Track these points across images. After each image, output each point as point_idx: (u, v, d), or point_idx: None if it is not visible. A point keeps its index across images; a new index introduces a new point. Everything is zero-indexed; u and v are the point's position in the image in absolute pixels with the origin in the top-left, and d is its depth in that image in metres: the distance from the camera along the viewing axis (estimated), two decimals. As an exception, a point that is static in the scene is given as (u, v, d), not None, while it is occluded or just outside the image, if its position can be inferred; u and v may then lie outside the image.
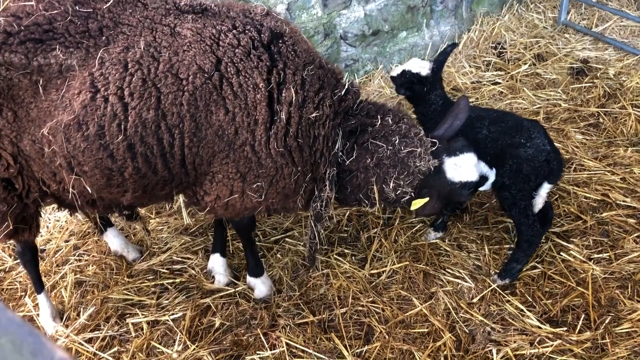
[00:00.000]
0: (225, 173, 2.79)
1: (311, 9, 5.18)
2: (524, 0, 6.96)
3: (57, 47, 2.50)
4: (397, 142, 2.92)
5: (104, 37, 2.58)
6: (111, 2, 2.66)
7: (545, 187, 3.42)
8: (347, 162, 2.97)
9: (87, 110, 2.52)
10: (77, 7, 2.58)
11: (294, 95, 2.70)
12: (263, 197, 2.88)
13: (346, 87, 2.96)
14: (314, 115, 2.78)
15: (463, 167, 2.95)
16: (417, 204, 2.99)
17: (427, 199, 2.97)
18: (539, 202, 3.45)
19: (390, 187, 2.94)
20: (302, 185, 2.96)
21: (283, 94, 2.70)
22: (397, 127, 2.98)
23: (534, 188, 3.42)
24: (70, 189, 2.74)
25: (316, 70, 2.84)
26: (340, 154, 2.96)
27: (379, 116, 3.00)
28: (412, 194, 2.96)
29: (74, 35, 2.53)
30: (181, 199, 3.33)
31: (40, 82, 2.53)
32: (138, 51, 2.57)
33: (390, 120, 2.99)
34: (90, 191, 2.75)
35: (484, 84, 5.65)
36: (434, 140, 2.99)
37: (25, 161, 2.75)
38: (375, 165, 2.94)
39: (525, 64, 5.87)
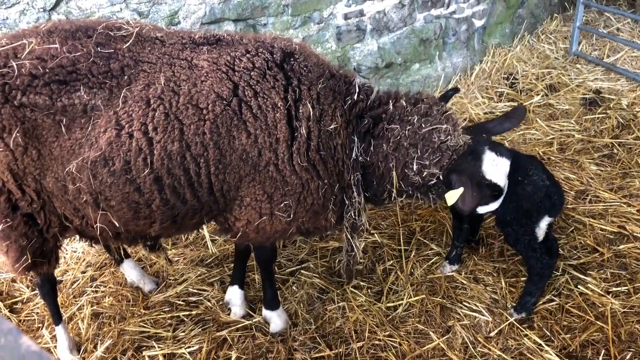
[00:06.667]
0: (253, 196, 2.84)
1: (325, 43, 5.28)
2: (535, 31, 7.04)
3: (81, 88, 2.58)
4: (415, 120, 2.86)
5: (126, 77, 2.66)
6: (131, 41, 2.75)
7: (546, 221, 3.43)
8: (368, 157, 2.94)
9: (112, 146, 2.59)
10: (98, 49, 2.67)
11: (311, 110, 2.76)
12: (292, 217, 2.90)
13: (357, 91, 2.95)
14: (332, 127, 2.83)
15: (498, 167, 2.85)
16: (451, 196, 2.77)
17: (461, 190, 2.73)
18: (539, 234, 3.46)
19: (414, 169, 2.85)
20: (331, 199, 2.96)
21: (300, 110, 2.76)
22: (416, 108, 2.93)
23: (537, 222, 3.43)
24: (98, 224, 2.79)
25: (327, 82, 2.89)
26: (360, 154, 2.94)
27: (390, 101, 2.97)
28: (441, 176, 2.85)
29: (97, 75, 2.61)
30: (205, 230, 3.35)
31: (64, 121, 2.59)
32: (159, 87, 2.65)
33: (404, 102, 2.95)
34: (117, 225, 2.80)
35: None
36: (472, 126, 2.96)
37: (47, 197, 2.80)
38: (394, 150, 2.89)
39: (538, 94, 5.91)
